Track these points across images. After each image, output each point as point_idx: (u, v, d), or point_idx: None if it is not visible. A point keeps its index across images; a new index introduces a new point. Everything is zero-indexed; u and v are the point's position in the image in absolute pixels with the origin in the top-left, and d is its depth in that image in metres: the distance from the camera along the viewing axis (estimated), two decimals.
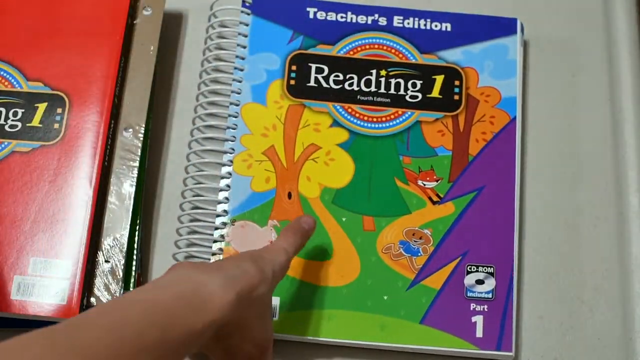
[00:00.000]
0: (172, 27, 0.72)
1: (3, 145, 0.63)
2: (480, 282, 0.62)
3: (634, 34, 0.73)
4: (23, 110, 0.64)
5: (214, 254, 0.62)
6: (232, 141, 0.65)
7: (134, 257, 0.62)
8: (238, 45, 0.68)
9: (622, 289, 0.64)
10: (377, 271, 0.62)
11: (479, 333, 0.60)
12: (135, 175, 0.63)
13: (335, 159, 0.65)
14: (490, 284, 0.62)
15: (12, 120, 0.64)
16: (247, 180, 0.64)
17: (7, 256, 0.60)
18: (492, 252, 0.63)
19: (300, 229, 0.58)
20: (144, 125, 0.65)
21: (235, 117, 0.66)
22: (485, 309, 0.61)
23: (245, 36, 0.68)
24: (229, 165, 0.64)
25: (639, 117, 0.69)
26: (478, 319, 0.61)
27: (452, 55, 0.68)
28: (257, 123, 0.66)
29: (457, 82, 0.67)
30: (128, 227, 0.62)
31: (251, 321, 0.52)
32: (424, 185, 0.65)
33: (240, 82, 0.67)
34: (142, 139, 0.64)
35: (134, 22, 0.68)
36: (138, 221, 0.64)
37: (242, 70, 0.67)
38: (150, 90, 0.66)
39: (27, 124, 0.64)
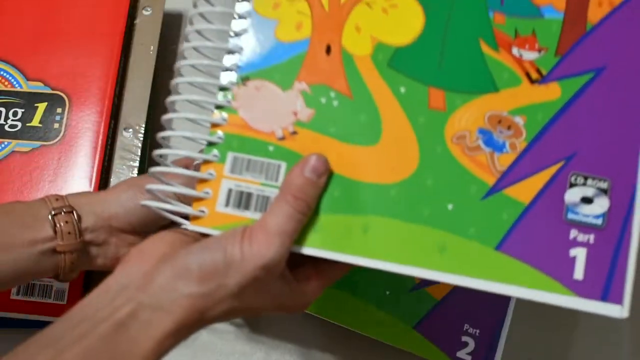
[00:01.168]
0: (172, 27, 0.70)
1: (3, 145, 0.62)
2: (587, 200, 0.43)
3: None
4: (23, 110, 0.63)
5: (215, 126, 0.44)
6: None
7: None
8: None
9: None
10: (443, 168, 0.43)
11: (578, 273, 0.42)
12: (135, 176, 0.62)
13: (398, 5, 0.45)
14: (601, 205, 0.43)
15: (12, 120, 0.63)
16: (270, 25, 0.45)
17: None
18: (610, 160, 0.43)
19: (299, 190, 0.42)
20: (144, 125, 0.64)
21: None
22: (591, 240, 0.42)
23: None
24: (248, 1, 0.46)
25: None
26: (579, 253, 0.42)
27: None
28: None
29: None
30: None
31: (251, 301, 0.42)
32: (521, 55, 0.45)
33: None
34: (142, 139, 0.63)
35: (134, 22, 0.67)
36: None
37: None
38: (150, 90, 0.65)
39: (27, 124, 0.63)
